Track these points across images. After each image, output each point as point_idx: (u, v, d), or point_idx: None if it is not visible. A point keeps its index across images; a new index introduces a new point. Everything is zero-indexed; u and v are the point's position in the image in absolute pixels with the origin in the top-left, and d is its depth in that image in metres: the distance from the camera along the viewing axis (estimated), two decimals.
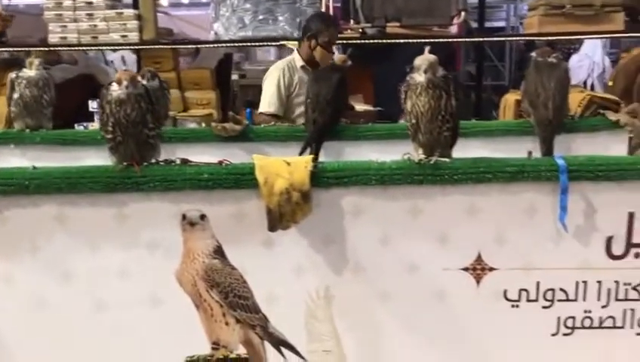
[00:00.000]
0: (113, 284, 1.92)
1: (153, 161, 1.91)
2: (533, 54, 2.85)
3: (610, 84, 4.59)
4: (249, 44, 5.06)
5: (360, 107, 4.82)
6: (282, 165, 1.80)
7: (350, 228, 1.87)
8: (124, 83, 1.78)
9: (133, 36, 4.77)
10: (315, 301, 1.89)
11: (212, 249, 1.84)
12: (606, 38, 4.86)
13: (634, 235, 1.87)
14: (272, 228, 1.79)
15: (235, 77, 8.20)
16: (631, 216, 1.87)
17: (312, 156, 1.93)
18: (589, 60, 8.47)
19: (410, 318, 1.93)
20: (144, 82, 2.66)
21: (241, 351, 1.90)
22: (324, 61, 3.65)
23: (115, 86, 1.81)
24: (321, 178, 1.83)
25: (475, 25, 5.27)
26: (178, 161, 1.91)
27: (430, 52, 1.91)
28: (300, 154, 2.67)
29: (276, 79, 3.71)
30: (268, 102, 3.70)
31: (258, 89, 9.02)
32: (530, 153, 2.82)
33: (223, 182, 1.82)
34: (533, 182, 1.85)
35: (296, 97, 3.71)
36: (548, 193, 1.85)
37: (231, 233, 1.85)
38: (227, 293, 1.85)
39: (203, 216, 1.82)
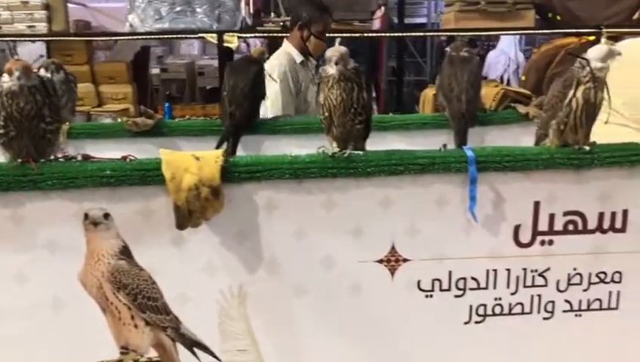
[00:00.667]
0: (11, 289, 1.80)
1: (52, 157, 1.79)
2: (447, 49, 2.91)
3: (523, 78, 4.78)
4: (166, 36, 4.89)
5: None
6: (191, 160, 1.73)
7: (264, 224, 1.83)
8: (16, 74, 1.65)
9: (41, 27, 4.51)
10: (228, 300, 1.84)
11: (117, 249, 1.75)
12: (518, 34, 5.04)
13: (540, 224, 1.92)
14: (181, 225, 1.72)
15: (156, 71, 7.97)
16: (537, 204, 1.93)
17: (223, 150, 1.86)
18: (505, 56, 8.82)
19: (327, 313, 1.91)
20: (47, 75, 2.52)
21: (152, 354, 1.83)
22: (317, 52, 3.46)
23: (5, 77, 1.68)
24: (232, 173, 1.78)
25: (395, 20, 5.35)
26: (79, 157, 1.80)
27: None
28: (217, 148, 2.60)
29: (284, 84, 3.48)
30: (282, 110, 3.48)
31: (180, 83, 8.78)
32: (444, 146, 2.92)
33: (127, 178, 1.73)
34: (444, 174, 1.87)
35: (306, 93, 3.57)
36: (458, 184, 1.88)
37: (138, 232, 1.77)
38: (135, 295, 1.77)
39: (107, 215, 1.73)
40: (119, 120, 3.20)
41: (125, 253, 1.76)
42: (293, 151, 1.90)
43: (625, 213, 1.94)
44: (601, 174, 1.92)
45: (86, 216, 1.72)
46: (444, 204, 1.89)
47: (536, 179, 1.90)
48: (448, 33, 5.15)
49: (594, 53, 1.90)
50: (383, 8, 4.57)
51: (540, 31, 5.08)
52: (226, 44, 4.33)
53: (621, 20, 4.70)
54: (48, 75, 2.49)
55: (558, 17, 4.69)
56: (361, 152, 1.86)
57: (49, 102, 1.75)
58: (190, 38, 4.68)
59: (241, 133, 2.72)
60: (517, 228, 1.93)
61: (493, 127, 2.91)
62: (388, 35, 4.72)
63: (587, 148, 1.90)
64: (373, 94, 5.26)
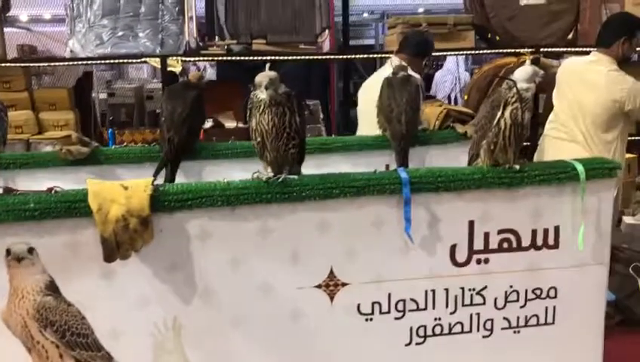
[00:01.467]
0: None
1: None
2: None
3: (465, 97, 4.88)
4: (107, 61, 4.80)
5: (230, 124, 4.76)
6: (118, 190, 1.68)
7: (197, 253, 1.79)
8: None
9: None
10: (163, 332, 1.78)
11: (43, 285, 1.68)
12: (459, 54, 5.17)
13: (475, 243, 1.94)
14: (109, 258, 1.66)
15: (103, 95, 7.81)
16: (471, 224, 1.95)
17: (152, 178, 1.82)
18: (452, 76, 9.03)
19: (266, 341, 1.88)
20: None
21: None
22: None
23: None
24: (162, 202, 1.74)
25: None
26: (0, 190, 1.72)
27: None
28: (155, 175, 2.55)
29: None
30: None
31: (129, 107, 8.62)
32: (387, 166, 2.95)
33: (52, 211, 1.67)
34: (379, 196, 1.87)
35: None
36: (394, 205, 1.89)
37: (65, 266, 1.70)
38: (63, 332, 1.69)
39: (31, 250, 1.67)
40: (56, 148, 3.12)
41: (52, 288, 1.69)
42: (237, 176, 1.88)
43: (556, 229, 1.99)
44: (532, 192, 1.96)
45: (8, 251, 1.65)
46: (381, 225, 1.89)
47: (470, 199, 1.93)
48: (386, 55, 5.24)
49: (520, 75, 1.95)
50: (327, 31, 4.60)
51: (481, 51, 5.21)
52: (169, 69, 4.28)
53: (556, 40, 4.86)
54: None
55: (497, 38, 4.82)
56: (295, 176, 1.84)
57: None
58: (133, 62, 4.60)
59: (179, 159, 2.67)
60: (453, 248, 1.95)
61: (433, 146, 2.95)
62: (332, 57, 4.76)
63: (517, 167, 1.94)
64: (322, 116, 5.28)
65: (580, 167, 1.96)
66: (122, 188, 1.70)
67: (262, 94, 1.78)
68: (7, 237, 1.67)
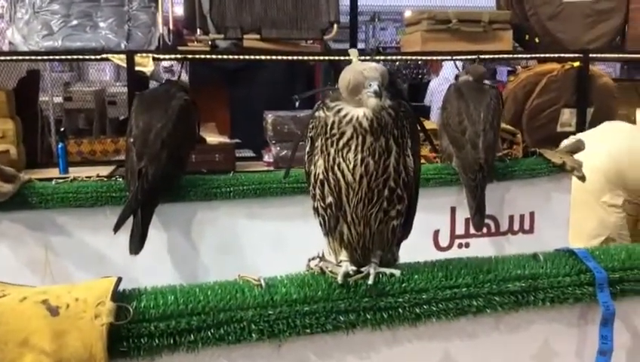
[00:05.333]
0: None
1: None
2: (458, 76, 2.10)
3: None
4: (58, 57, 3.82)
5: (213, 139, 3.81)
6: (39, 317, 0.76)
7: None
8: None
9: None
10: None
11: None
12: (495, 58, 4.38)
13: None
14: None
15: (58, 99, 6.81)
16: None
17: (115, 279, 0.88)
18: (449, 84, 8.24)
19: None
20: None
21: None
22: None
23: None
24: (135, 337, 0.81)
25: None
26: None
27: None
28: (117, 227, 1.63)
29: None
30: None
31: (89, 113, 7.60)
32: (452, 210, 2.10)
33: None
34: (555, 308, 0.98)
35: None
36: (574, 324, 1.01)
37: None
38: None
39: None
40: None
41: None
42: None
43: None
44: None
45: None
46: None
47: None
48: (416, 57, 4.40)
49: None
50: (335, 26, 3.72)
51: (519, 55, 4.41)
52: (138, 68, 3.33)
53: (603, 44, 4.10)
54: None
55: (537, 40, 4.03)
56: (398, 272, 0.94)
57: None
58: (90, 59, 3.65)
59: (155, 202, 1.75)
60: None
61: (516, 181, 2.11)
62: (343, 58, 3.89)
63: None
64: None
65: None
66: (47, 312, 0.77)
67: (356, 107, 0.88)
68: None
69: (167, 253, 1.81)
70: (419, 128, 0.94)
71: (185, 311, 0.84)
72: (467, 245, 2.01)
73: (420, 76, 9.60)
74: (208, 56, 3.64)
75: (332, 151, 0.88)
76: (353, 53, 1.09)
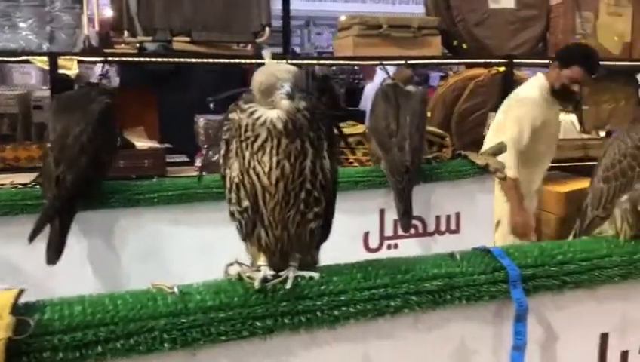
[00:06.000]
0: None
1: None
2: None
3: (429, 114, 4.15)
4: None
5: (142, 144, 3.71)
6: None
7: None
8: None
9: None
10: None
11: None
12: (424, 63, 4.47)
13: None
14: None
15: None
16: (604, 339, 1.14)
17: (16, 291, 0.82)
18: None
19: None
20: None
21: None
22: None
23: None
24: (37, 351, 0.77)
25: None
26: None
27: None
28: (32, 237, 1.55)
29: None
30: None
31: (12, 118, 7.25)
32: (381, 212, 2.12)
33: None
34: (469, 306, 1.00)
35: None
36: (490, 321, 1.03)
37: None
38: None
39: None
40: None
41: None
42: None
43: None
44: None
45: None
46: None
47: (606, 298, 1.11)
48: (348, 62, 4.44)
49: None
50: (267, 30, 3.70)
51: (448, 61, 4.52)
52: (61, 71, 3.20)
53: (527, 50, 4.26)
54: None
55: (464, 46, 4.14)
56: (316, 275, 0.93)
57: None
58: (10, 61, 3.47)
59: (75, 209, 1.67)
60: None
61: (442, 183, 2.14)
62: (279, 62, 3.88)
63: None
64: None
65: None
66: None
67: (270, 109, 0.86)
68: None
69: (88, 262, 1.74)
70: (336, 131, 0.93)
71: (92, 321, 0.80)
72: (396, 246, 2.03)
73: (356, 81, 9.71)
74: (136, 59, 3.54)
75: (247, 154, 0.87)
76: (266, 55, 1.08)
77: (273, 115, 0.85)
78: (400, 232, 2.02)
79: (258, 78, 0.86)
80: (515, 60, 4.06)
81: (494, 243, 2.37)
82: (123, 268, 1.75)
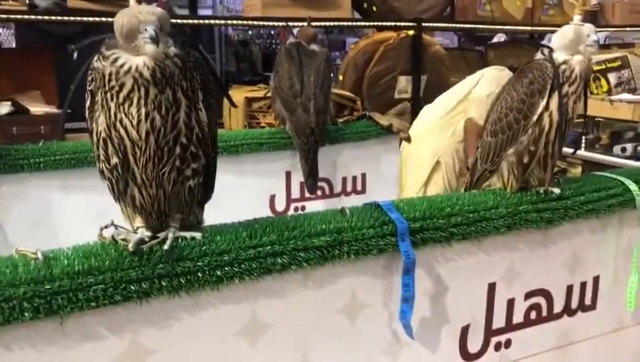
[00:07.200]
0: None
1: None
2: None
3: (340, 78, 4.13)
4: None
5: (38, 109, 3.49)
6: None
7: None
8: None
9: None
10: None
11: None
12: (333, 26, 4.43)
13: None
14: None
15: None
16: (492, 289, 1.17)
17: None
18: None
19: None
20: None
21: None
22: None
23: None
24: None
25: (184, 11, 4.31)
26: None
27: None
28: None
29: None
30: None
31: None
32: (288, 174, 2.09)
33: None
34: (359, 260, 0.99)
35: None
36: (379, 274, 1.03)
37: None
38: None
39: None
40: None
41: None
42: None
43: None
44: (571, 230, 1.23)
45: None
46: (359, 312, 1.02)
47: (493, 249, 1.14)
48: (257, 23, 4.30)
49: (563, 40, 1.18)
50: None
51: (357, 23, 4.50)
52: None
53: (435, 14, 4.31)
54: None
55: (374, 8, 4.13)
56: (198, 235, 0.89)
57: None
58: None
59: None
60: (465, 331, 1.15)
61: (347, 144, 2.14)
62: (198, 21, 3.68)
63: (557, 191, 1.19)
64: None
65: (634, 187, 1.27)
66: None
67: (135, 56, 0.79)
68: None
69: None
70: (214, 81, 0.88)
71: None
72: (303, 208, 2.00)
73: (273, 46, 9.54)
74: (25, 17, 3.27)
75: (112, 105, 0.80)
76: None
77: (139, 61, 0.78)
78: (307, 194, 2.01)
79: (119, 20, 0.79)
80: (423, 24, 4.10)
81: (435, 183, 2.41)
82: (7, 238, 1.63)
